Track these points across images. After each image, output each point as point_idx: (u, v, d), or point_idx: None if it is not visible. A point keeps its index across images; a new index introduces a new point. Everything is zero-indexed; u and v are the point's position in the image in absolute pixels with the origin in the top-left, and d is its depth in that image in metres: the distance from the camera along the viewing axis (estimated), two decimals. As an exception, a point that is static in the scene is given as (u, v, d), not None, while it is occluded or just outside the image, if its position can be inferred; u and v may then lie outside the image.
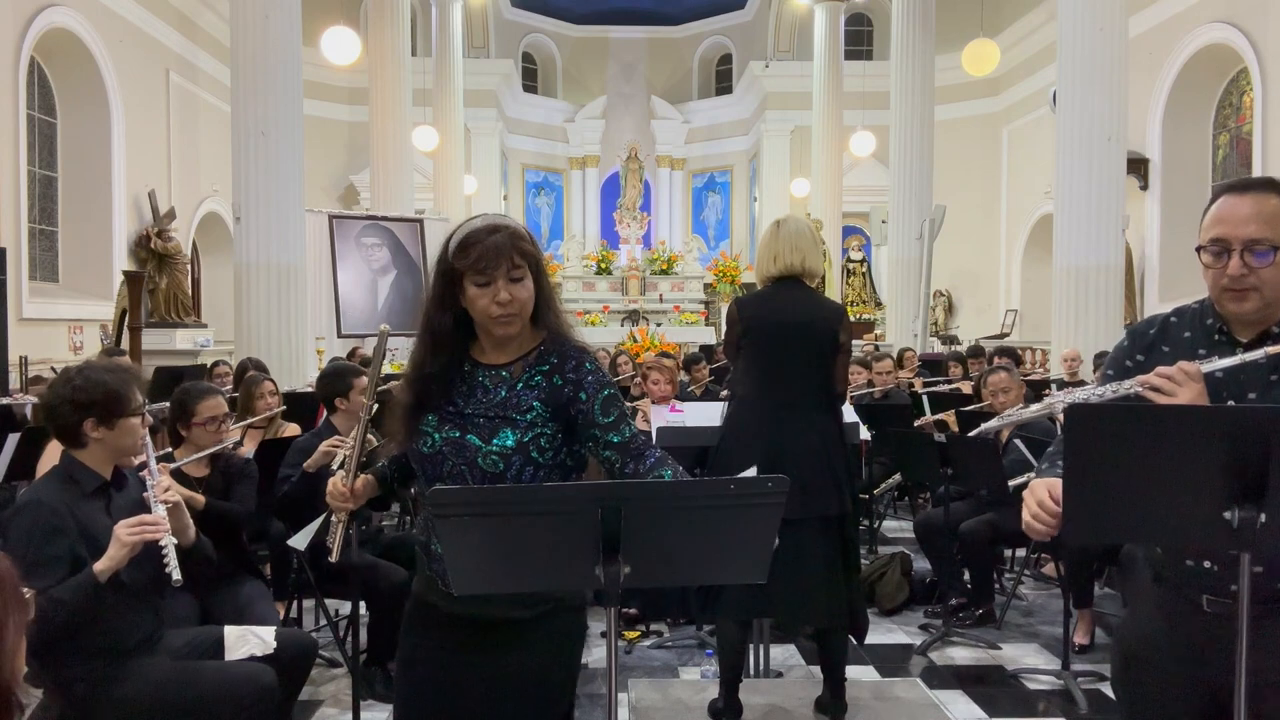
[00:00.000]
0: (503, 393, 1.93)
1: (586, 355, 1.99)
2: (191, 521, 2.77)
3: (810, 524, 3.12)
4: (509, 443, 1.90)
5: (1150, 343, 1.89)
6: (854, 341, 3.71)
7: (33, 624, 1.16)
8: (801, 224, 3.38)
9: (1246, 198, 1.74)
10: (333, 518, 2.22)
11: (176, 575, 2.42)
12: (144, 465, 2.70)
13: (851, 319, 3.72)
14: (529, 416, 1.91)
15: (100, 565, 2.42)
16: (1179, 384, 1.71)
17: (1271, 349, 1.72)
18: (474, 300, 1.90)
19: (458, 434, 1.92)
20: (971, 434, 2.24)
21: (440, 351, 1.96)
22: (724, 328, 3.51)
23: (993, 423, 2.26)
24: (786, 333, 3.24)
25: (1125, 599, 1.92)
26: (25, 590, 1.13)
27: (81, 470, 2.60)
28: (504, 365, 1.96)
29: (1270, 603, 1.69)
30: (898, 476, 6.69)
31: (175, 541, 2.49)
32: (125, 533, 2.44)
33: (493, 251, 1.87)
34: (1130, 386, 1.77)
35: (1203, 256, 1.77)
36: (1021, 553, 5.54)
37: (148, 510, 2.53)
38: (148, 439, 2.71)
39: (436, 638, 1.98)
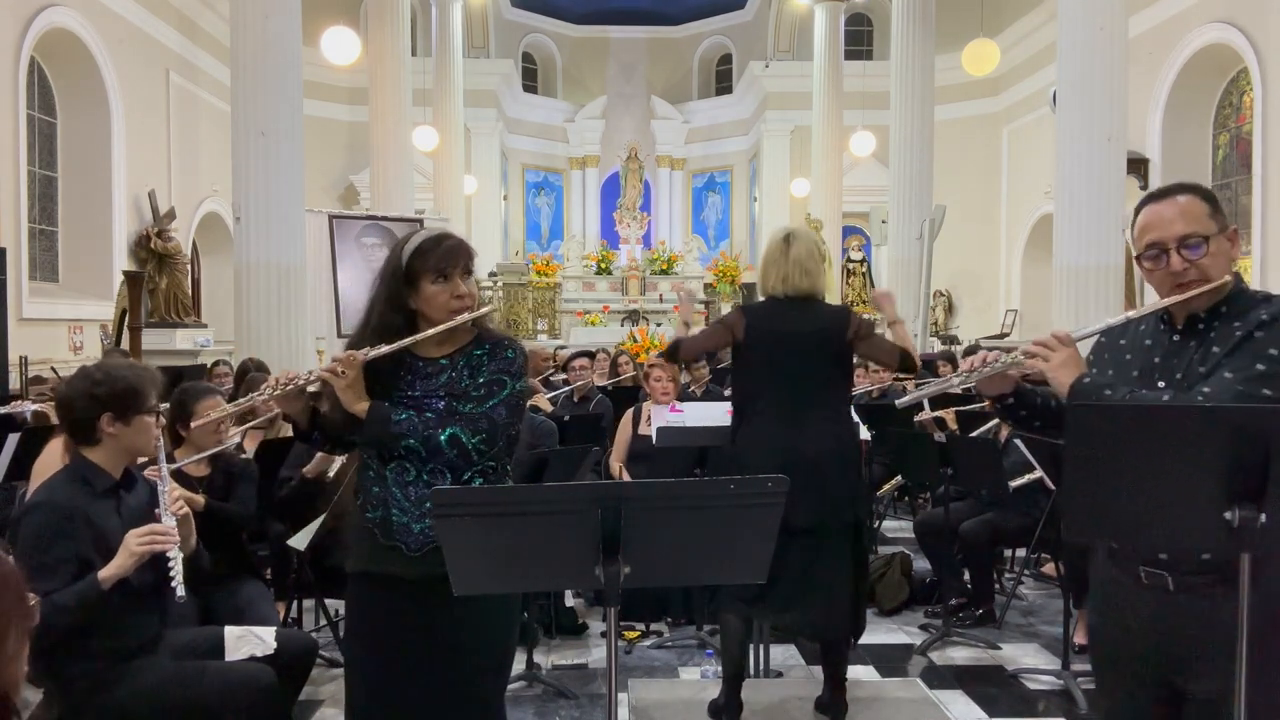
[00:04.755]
0: (443, 378, 2.24)
1: (515, 344, 2.33)
2: (194, 530, 2.76)
3: (830, 532, 3.13)
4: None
5: (1114, 338, 2.05)
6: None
7: (35, 629, 1.16)
8: (810, 242, 3.35)
9: (1167, 202, 1.92)
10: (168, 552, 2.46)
11: (181, 591, 2.42)
12: (150, 464, 2.70)
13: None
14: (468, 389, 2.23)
15: (105, 573, 2.42)
16: (1052, 349, 1.93)
17: (1132, 312, 1.98)
18: (433, 296, 2.22)
19: (410, 413, 2.19)
20: (899, 403, 2.29)
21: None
22: (716, 323, 3.42)
23: (907, 398, 2.34)
24: (796, 343, 3.22)
25: (1090, 582, 2.12)
26: (30, 596, 1.13)
27: (93, 470, 2.60)
28: (444, 356, 2.27)
29: (1194, 574, 1.79)
30: (900, 478, 6.69)
31: (182, 554, 2.49)
32: (135, 542, 2.44)
33: (452, 252, 2.24)
34: (1013, 357, 1.98)
35: (1143, 264, 1.94)
36: (1021, 553, 5.54)
37: (157, 519, 2.53)
38: (161, 443, 2.71)
39: (389, 612, 2.21)
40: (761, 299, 3.40)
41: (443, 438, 2.14)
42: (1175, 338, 1.93)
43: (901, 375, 8.11)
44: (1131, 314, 2.00)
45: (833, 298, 14.81)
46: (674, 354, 3.52)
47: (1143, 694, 1.91)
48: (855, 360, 3.51)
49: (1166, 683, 1.86)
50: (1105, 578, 1.97)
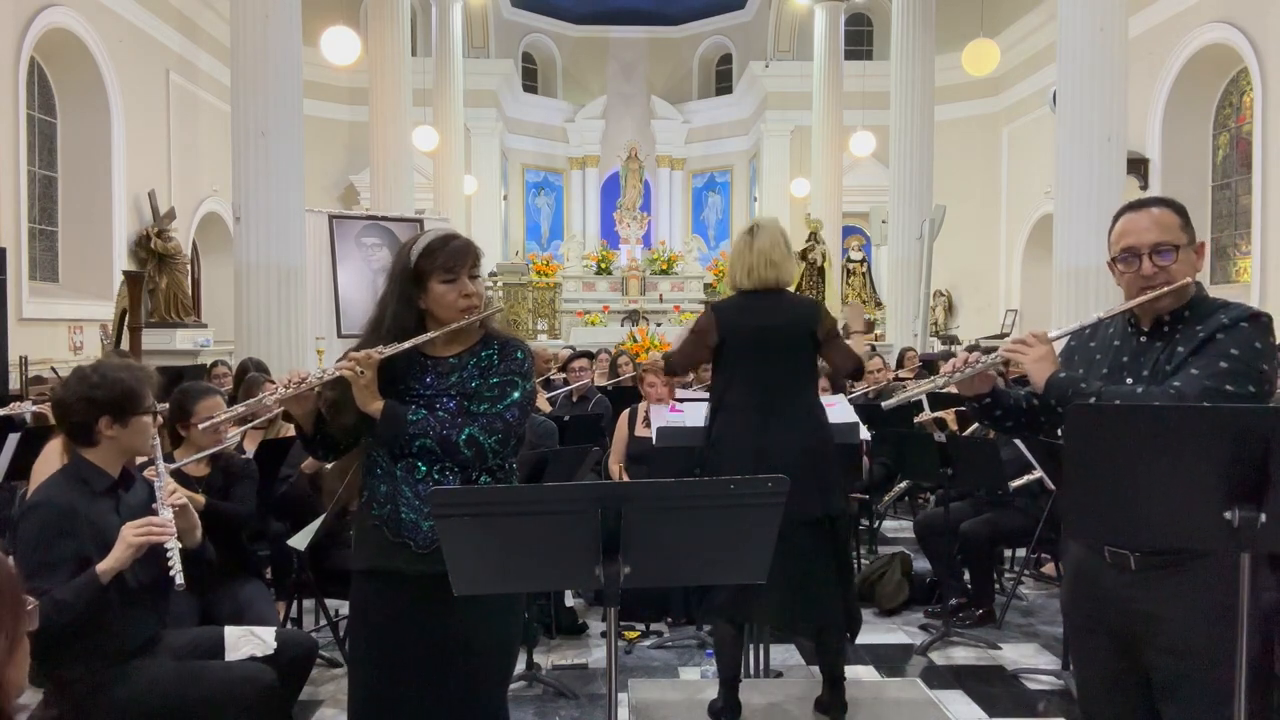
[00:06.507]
0: (454, 378, 2.27)
1: (522, 345, 2.36)
2: (199, 522, 2.77)
3: (794, 527, 3.10)
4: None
5: (1084, 340, 2.22)
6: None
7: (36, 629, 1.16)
8: (775, 233, 3.35)
9: (1144, 212, 2.08)
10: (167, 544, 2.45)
11: (180, 580, 2.43)
12: (149, 464, 2.70)
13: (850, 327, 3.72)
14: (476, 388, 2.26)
15: (104, 565, 2.42)
16: (1030, 345, 2.12)
17: (1102, 313, 2.16)
18: (441, 296, 2.24)
19: (424, 412, 2.21)
20: (885, 404, 2.35)
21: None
22: (690, 333, 3.42)
23: (892, 400, 2.40)
24: (765, 337, 3.24)
25: (1063, 563, 2.28)
26: (29, 599, 1.13)
27: (91, 470, 2.60)
28: (453, 355, 2.29)
29: (1154, 554, 1.93)
30: (904, 484, 6.68)
31: (180, 545, 2.50)
32: (132, 534, 2.44)
33: (459, 252, 2.26)
34: (995, 356, 2.15)
35: (1116, 266, 2.11)
36: (1021, 553, 5.54)
37: (154, 514, 2.53)
38: (157, 440, 2.71)
39: (394, 610, 2.22)
40: (730, 293, 3.42)
41: (461, 438, 2.17)
42: (1142, 339, 2.09)
43: (901, 375, 8.14)
44: (1101, 314, 2.16)
45: (832, 297, 14.87)
46: (671, 370, 3.62)
47: (1114, 667, 2.04)
48: None
49: (1133, 655, 1.99)
50: (1076, 557, 2.13)
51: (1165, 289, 2.02)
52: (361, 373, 2.17)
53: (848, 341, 3.55)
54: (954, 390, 2.23)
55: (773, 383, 3.23)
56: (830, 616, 3.24)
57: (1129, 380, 2.05)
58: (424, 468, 2.21)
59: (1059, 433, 2.03)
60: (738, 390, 3.27)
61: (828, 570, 3.22)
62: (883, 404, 2.36)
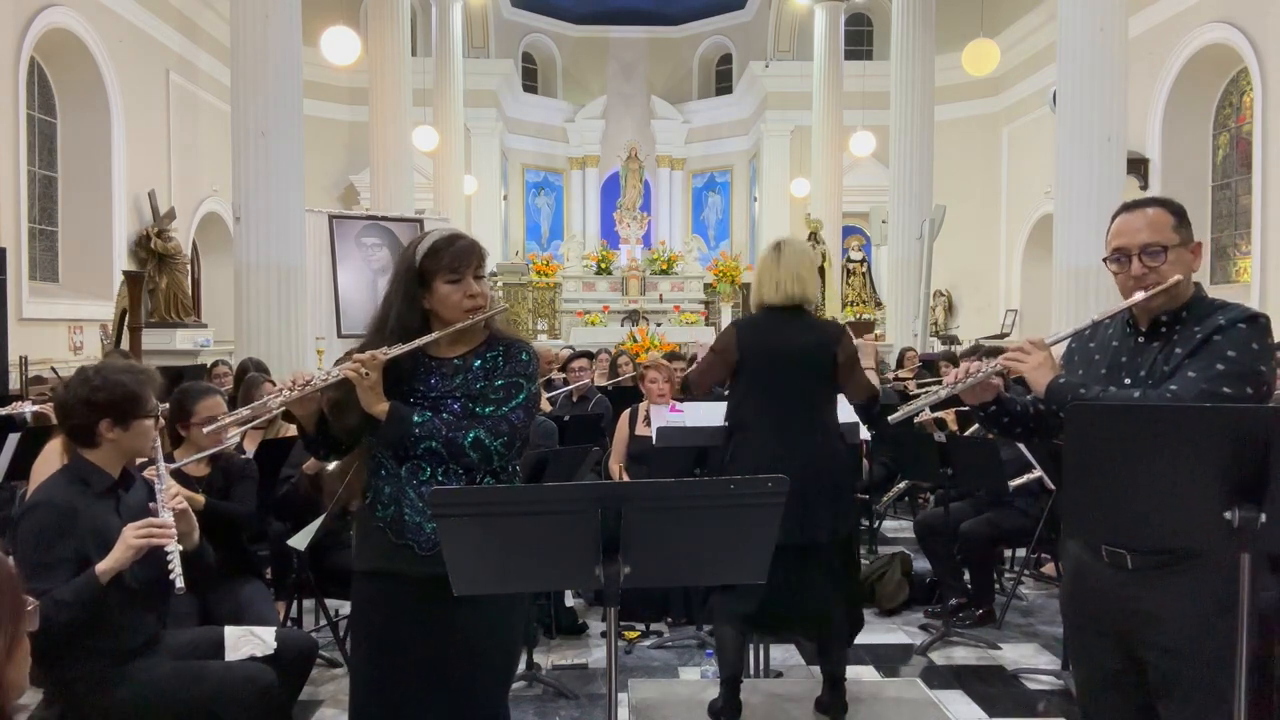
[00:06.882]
0: (458, 379, 2.25)
1: (527, 346, 2.35)
2: (196, 524, 2.77)
3: (801, 550, 3.10)
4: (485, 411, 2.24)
5: (1084, 341, 2.25)
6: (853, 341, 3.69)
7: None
8: (802, 249, 3.38)
9: (1137, 213, 2.11)
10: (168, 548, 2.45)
11: (180, 584, 2.42)
12: (149, 464, 2.70)
13: (850, 327, 3.71)
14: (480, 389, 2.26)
15: (103, 566, 2.42)
16: (1028, 353, 2.14)
17: (1097, 315, 2.19)
18: (446, 296, 2.23)
19: (430, 414, 2.20)
20: (891, 419, 2.29)
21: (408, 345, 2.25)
22: (710, 352, 3.43)
23: (898, 414, 2.30)
24: (785, 360, 3.24)
25: (1061, 562, 2.27)
26: (29, 599, 1.12)
27: (91, 470, 2.60)
28: (457, 356, 2.28)
29: (1150, 553, 1.95)
30: (904, 484, 6.68)
31: (181, 548, 2.50)
32: (132, 536, 2.44)
33: (464, 252, 2.25)
34: (994, 364, 2.16)
35: (1109, 265, 2.14)
36: (1021, 553, 5.54)
37: (154, 514, 2.53)
38: (158, 442, 2.71)
39: (397, 611, 2.22)
40: (754, 311, 3.42)
41: (467, 440, 2.16)
42: (1140, 340, 2.11)
43: (901, 375, 8.14)
44: (1096, 316, 2.19)
45: (832, 298, 14.87)
46: (688, 389, 3.63)
47: (1113, 666, 2.05)
48: None
49: (1132, 655, 2.01)
50: (1075, 557, 2.15)
51: (1155, 289, 2.04)
52: (366, 374, 2.16)
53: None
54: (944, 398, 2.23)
55: (789, 404, 3.23)
56: (835, 630, 3.26)
57: (1127, 381, 2.07)
58: (429, 470, 2.21)
59: None
60: (754, 410, 3.27)
61: (833, 588, 3.25)
62: (889, 418, 2.34)
